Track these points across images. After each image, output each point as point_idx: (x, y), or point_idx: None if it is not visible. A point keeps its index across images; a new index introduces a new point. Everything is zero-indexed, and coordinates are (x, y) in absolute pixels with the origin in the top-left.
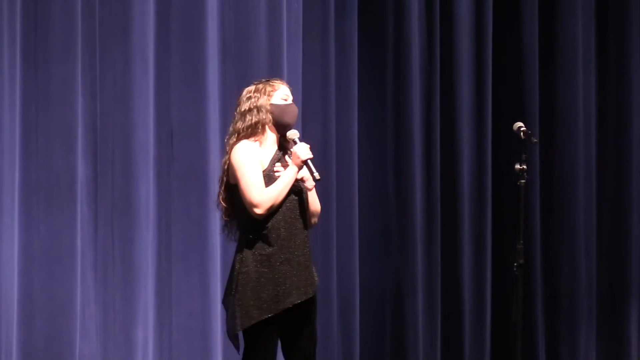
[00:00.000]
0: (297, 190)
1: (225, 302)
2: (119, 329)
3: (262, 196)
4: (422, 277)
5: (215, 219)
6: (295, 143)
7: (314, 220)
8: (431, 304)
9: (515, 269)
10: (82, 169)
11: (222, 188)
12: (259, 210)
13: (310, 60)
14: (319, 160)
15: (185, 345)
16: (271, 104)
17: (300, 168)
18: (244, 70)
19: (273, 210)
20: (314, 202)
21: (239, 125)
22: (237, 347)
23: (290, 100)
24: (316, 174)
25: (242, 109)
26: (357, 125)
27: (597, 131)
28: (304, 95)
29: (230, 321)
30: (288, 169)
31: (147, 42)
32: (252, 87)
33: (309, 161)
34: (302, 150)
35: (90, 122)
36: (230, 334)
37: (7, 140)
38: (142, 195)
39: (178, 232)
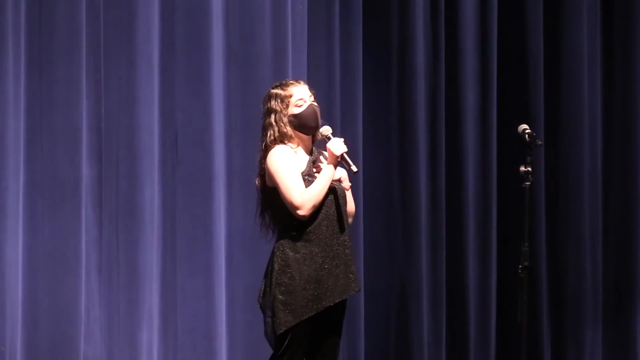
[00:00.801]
0: (335, 189)
1: (262, 301)
2: (124, 331)
3: (303, 197)
4: (427, 279)
5: (220, 221)
6: (329, 139)
7: (350, 220)
8: (436, 306)
9: (520, 271)
10: (86, 172)
11: (259, 193)
12: (301, 212)
13: (315, 63)
14: None
15: (190, 347)
16: (288, 116)
17: (337, 163)
18: (248, 74)
19: (316, 210)
20: (350, 202)
21: (266, 139)
22: (275, 348)
23: (306, 102)
24: (353, 167)
25: (264, 124)
26: (362, 127)
27: (603, 133)
28: None
29: (269, 320)
30: (325, 167)
31: (152, 45)
32: (267, 97)
33: (344, 155)
34: (336, 146)
35: (95, 124)
36: (270, 333)
37: (12, 143)
38: (146, 198)
39: (183, 234)
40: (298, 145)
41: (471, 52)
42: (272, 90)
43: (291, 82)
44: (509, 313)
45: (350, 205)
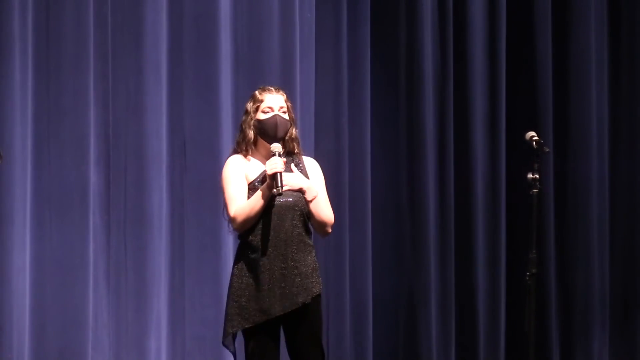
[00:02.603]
0: (292, 201)
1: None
2: (132, 338)
3: (236, 211)
4: (435, 287)
5: (228, 229)
6: (272, 156)
7: (326, 229)
8: (445, 314)
9: (528, 278)
10: (94, 179)
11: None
12: (233, 224)
13: (323, 70)
14: (332, 169)
15: (198, 355)
16: (255, 120)
17: (270, 183)
18: (256, 80)
19: (251, 224)
20: (321, 212)
21: (237, 139)
22: (232, 353)
23: (273, 112)
24: (278, 189)
25: (240, 123)
26: (370, 134)
27: (610, 141)
28: (317, 105)
29: (223, 328)
30: (261, 187)
31: (160, 52)
32: (250, 97)
33: (277, 175)
34: (271, 164)
35: (103, 132)
36: (223, 341)
37: (20, 151)
38: (154, 205)
39: (191, 241)
40: (252, 153)
41: (479, 58)
42: (254, 92)
43: (270, 88)
44: (518, 321)
45: (322, 215)
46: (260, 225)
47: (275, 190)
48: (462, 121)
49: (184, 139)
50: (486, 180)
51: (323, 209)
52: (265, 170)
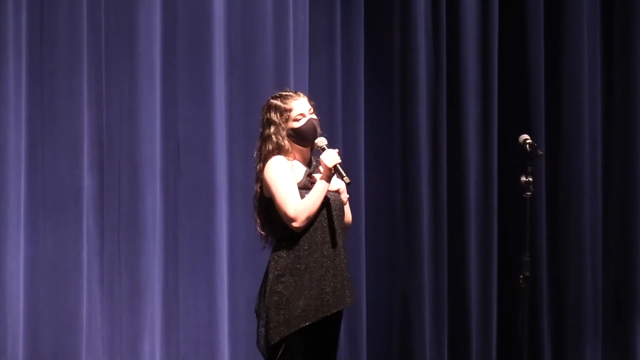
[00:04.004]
0: (330, 200)
1: (258, 310)
2: (126, 342)
3: (297, 209)
4: (428, 290)
5: (222, 232)
6: (323, 150)
7: (348, 232)
8: (438, 317)
9: (521, 282)
10: (88, 182)
11: (256, 202)
12: (295, 224)
13: (317, 72)
14: None
15: (192, 358)
16: (287, 129)
17: (330, 175)
18: (250, 83)
19: (313, 219)
20: (349, 214)
21: (264, 149)
22: (268, 359)
23: (306, 117)
24: (346, 179)
25: (264, 135)
26: (364, 137)
27: (603, 143)
28: None
29: (263, 330)
30: (320, 179)
31: (154, 55)
32: (267, 107)
33: (338, 166)
34: (329, 157)
35: (96, 135)
36: (263, 343)
37: (13, 154)
38: (148, 208)
39: (185, 245)
40: (295, 158)
41: (472, 62)
42: (272, 101)
43: (291, 94)
44: (510, 324)
45: (348, 217)
46: (313, 224)
47: (344, 179)
48: (455, 125)
49: (178, 142)
50: (479, 183)
51: (349, 211)
52: (314, 168)
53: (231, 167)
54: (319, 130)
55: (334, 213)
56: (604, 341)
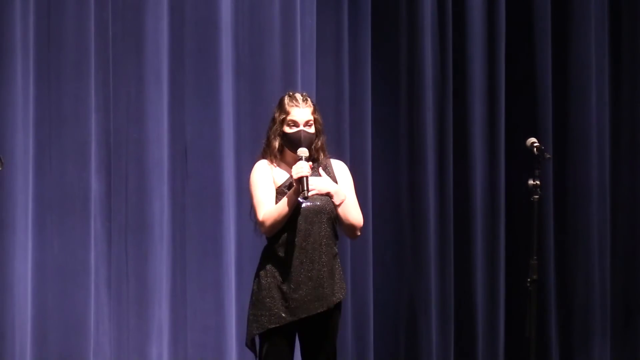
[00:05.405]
0: (318, 205)
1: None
2: (133, 346)
3: (264, 215)
4: (435, 293)
5: (230, 235)
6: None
7: (356, 232)
8: (445, 320)
9: (528, 285)
10: (95, 186)
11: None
12: (262, 228)
13: (324, 76)
14: None
15: None
16: (281, 132)
17: (297, 187)
18: (258, 87)
19: (279, 227)
20: (349, 215)
21: (263, 145)
22: (256, 355)
23: (298, 127)
24: (304, 193)
25: (267, 129)
26: (371, 141)
27: (611, 146)
28: None
29: (246, 329)
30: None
31: (161, 59)
32: (279, 102)
33: (303, 179)
34: (297, 169)
35: (104, 138)
36: (246, 342)
37: (21, 157)
38: (156, 212)
39: (192, 248)
40: (284, 160)
41: (479, 65)
42: (283, 98)
43: (298, 100)
44: (518, 327)
45: (350, 218)
46: (288, 229)
47: (301, 194)
48: (462, 128)
49: (185, 145)
50: (486, 186)
51: (351, 212)
52: (291, 176)
53: (238, 170)
54: (304, 144)
55: (315, 219)
56: (612, 343)
